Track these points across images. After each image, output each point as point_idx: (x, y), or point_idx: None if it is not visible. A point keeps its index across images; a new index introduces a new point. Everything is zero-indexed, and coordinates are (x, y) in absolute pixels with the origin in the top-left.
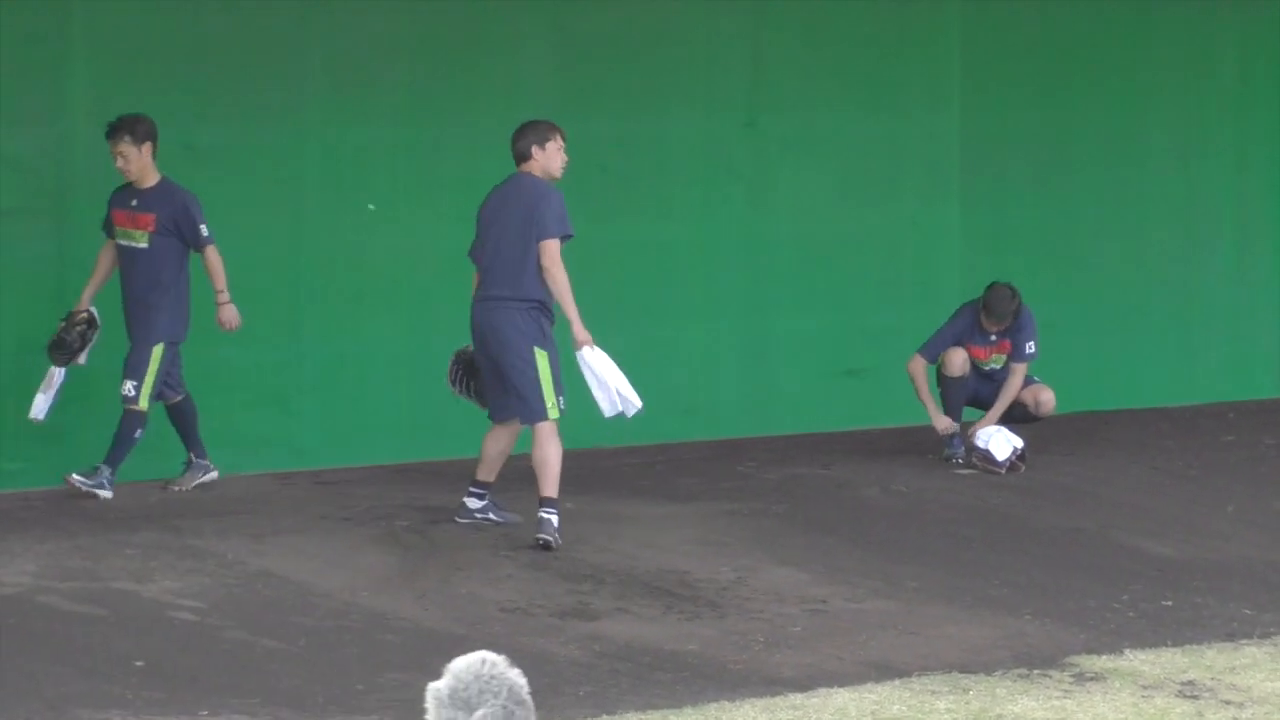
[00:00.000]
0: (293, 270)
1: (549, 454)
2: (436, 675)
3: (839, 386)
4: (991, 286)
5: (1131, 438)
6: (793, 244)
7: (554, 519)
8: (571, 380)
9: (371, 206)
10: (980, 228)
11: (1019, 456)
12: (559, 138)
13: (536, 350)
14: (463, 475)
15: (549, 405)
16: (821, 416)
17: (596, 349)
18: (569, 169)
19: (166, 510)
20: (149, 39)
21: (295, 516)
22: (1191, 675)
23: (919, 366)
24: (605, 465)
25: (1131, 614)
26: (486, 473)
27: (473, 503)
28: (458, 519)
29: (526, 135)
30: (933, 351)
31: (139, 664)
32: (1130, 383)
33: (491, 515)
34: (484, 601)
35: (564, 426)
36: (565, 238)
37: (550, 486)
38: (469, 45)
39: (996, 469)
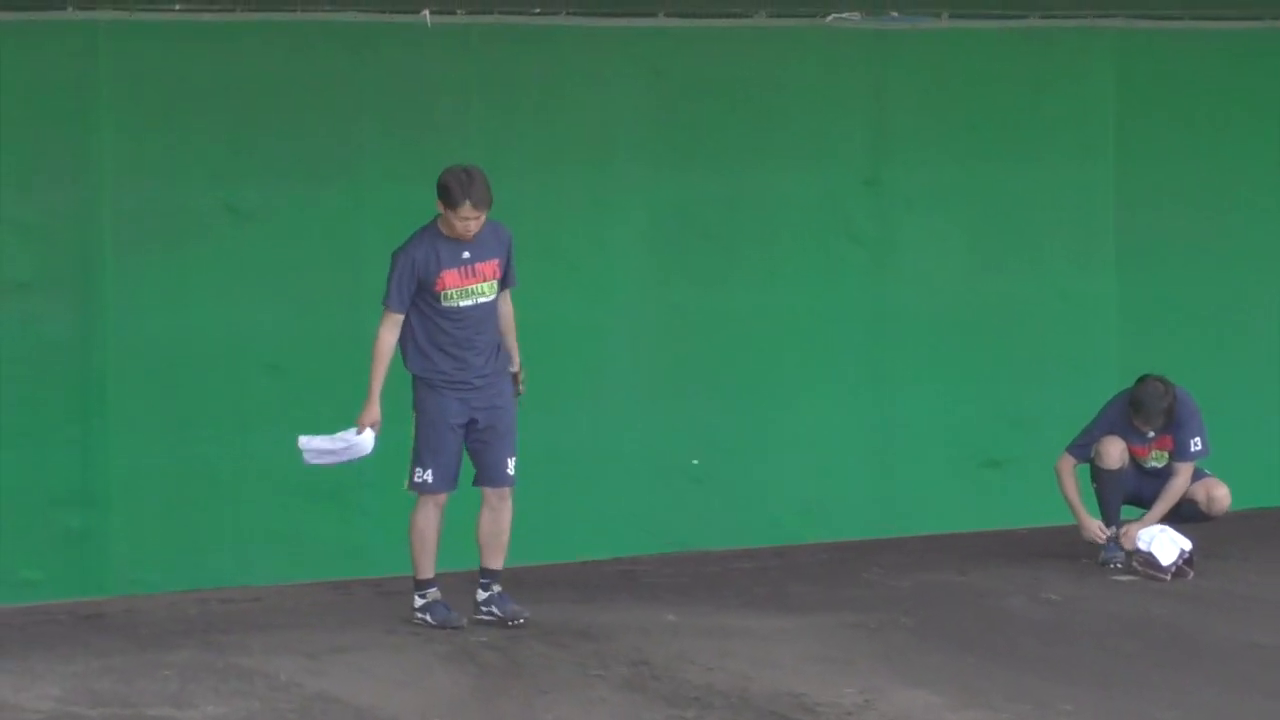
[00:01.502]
0: (350, 346)
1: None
2: None
3: (977, 479)
4: (1142, 381)
5: None
6: (922, 316)
7: (415, 600)
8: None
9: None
10: (1139, 295)
11: (1186, 560)
12: (461, 210)
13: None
14: (547, 582)
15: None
16: (958, 514)
17: (365, 434)
18: (667, 228)
19: (208, 625)
20: (183, 86)
21: (356, 631)
22: None
23: (1067, 466)
24: (711, 571)
25: None
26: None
27: (479, 594)
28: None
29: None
30: (1083, 450)
31: None
32: None
33: (494, 608)
34: None
35: (661, 529)
36: (396, 307)
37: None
38: (550, 89)
39: (1160, 574)
